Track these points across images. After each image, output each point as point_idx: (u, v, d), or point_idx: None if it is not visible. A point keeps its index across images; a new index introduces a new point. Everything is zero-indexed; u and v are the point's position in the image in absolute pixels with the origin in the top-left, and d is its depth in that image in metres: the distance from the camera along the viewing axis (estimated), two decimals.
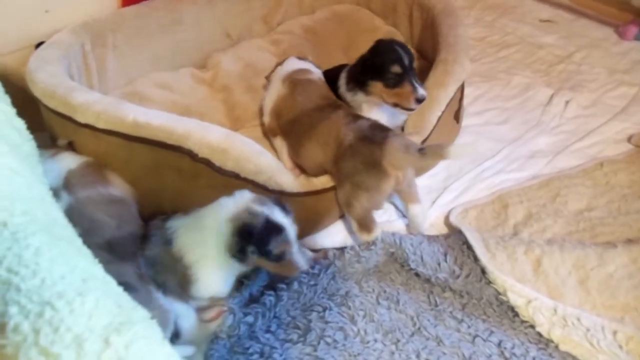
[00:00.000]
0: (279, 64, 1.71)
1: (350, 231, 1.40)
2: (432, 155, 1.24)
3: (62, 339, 0.53)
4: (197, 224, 1.12)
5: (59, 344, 0.52)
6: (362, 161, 1.27)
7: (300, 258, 1.13)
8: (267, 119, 1.60)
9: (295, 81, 1.53)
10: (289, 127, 1.49)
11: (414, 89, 1.38)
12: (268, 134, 1.62)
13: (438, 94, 1.56)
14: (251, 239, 1.06)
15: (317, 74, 1.62)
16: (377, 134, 1.28)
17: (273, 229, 1.08)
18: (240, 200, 1.11)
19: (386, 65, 1.40)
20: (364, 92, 1.47)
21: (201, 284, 1.12)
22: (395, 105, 1.43)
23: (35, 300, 0.56)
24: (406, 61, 1.40)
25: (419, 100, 1.39)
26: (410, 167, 1.32)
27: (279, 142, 1.54)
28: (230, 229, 1.08)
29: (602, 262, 1.28)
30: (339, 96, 1.57)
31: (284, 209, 1.13)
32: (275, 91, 1.57)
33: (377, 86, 1.43)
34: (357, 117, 1.37)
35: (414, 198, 1.39)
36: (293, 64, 1.64)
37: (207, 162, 1.22)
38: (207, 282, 1.12)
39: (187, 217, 1.15)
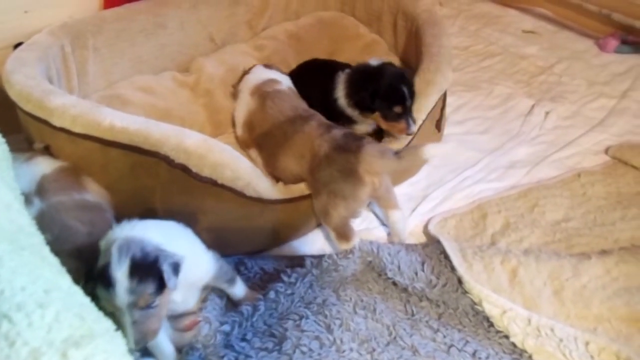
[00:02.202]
0: (246, 72, 1.70)
1: (328, 239, 1.41)
2: (408, 157, 1.25)
3: (18, 353, 0.52)
4: None
5: (15, 359, 0.51)
6: (338, 169, 1.27)
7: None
8: (239, 131, 1.60)
9: (264, 94, 1.53)
10: (262, 140, 1.49)
11: (408, 126, 1.48)
12: (241, 146, 1.62)
13: (420, 103, 1.56)
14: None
15: (285, 83, 1.62)
16: (351, 143, 1.29)
17: None
18: None
19: (390, 104, 1.48)
20: (362, 114, 1.54)
21: None
22: (387, 131, 1.55)
23: None
24: (408, 103, 1.49)
25: (409, 135, 1.50)
26: (387, 172, 1.33)
27: (254, 154, 1.55)
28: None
29: (576, 273, 1.29)
30: (331, 100, 1.57)
31: None
32: (245, 104, 1.58)
33: (376, 115, 1.52)
34: (330, 127, 1.38)
35: (392, 204, 1.40)
36: (260, 74, 1.63)
37: (184, 168, 1.20)
38: None
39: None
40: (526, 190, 1.61)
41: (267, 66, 1.70)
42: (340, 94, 1.57)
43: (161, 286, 0.95)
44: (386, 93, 1.48)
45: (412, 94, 1.51)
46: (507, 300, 1.23)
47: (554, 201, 1.57)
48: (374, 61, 1.59)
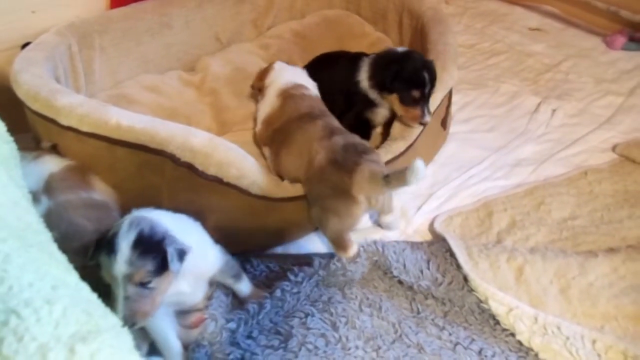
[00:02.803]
0: (266, 71, 1.67)
1: None
2: (395, 183, 1.16)
3: (26, 348, 0.52)
4: None
5: (23, 354, 0.52)
6: (330, 187, 1.23)
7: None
8: (259, 126, 1.57)
9: (289, 96, 1.50)
10: (273, 136, 1.47)
11: (422, 115, 1.50)
12: (259, 143, 1.61)
13: None
14: None
15: (312, 90, 1.58)
16: (349, 159, 1.22)
17: None
18: None
19: (409, 87, 1.50)
20: (381, 94, 1.58)
21: None
22: (401, 117, 1.56)
23: (1, 308, 0.56)
24: (427, 89, 1.51)
25: (422, 124, 1.51)
26: (379, 194, 1.27)
27: (267, 152, 1.53)
28: None
29: (583, 271, 1.29)
30: (353, 82, 1.60)
31: None
32: (269, 103, 1.54)
33: (394, 97, 1.54)
34: (334, 132, 1.32)
35: (387, 210, 1.40)
36: (289, 77, 1.58)
37: (190, 167, 1.21)
38: None
39: None
40: (532, 188, 1.60)
41: (290, 64, 1.69)
42: (363, 76, 1.60)
43: (162, 268, 0.96)
44: (407, 75, 1.50)
45: (432, 82, 1.52)
46: (513, 298, 1.22)
47: (560, 199, 1.56)
48: (400, 48, 1.64)
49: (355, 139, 1.33)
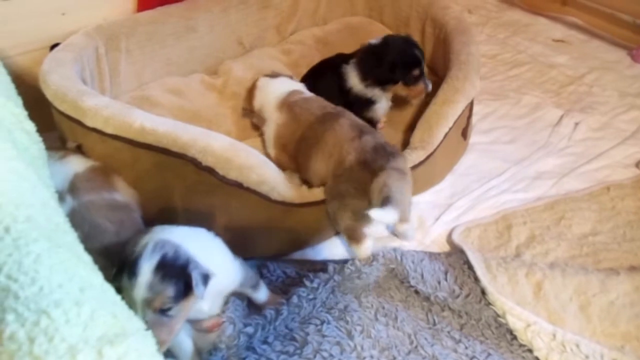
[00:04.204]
0: (251, 91, 1.64)
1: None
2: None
3: (57, 349, 0.53)
4: None
5: (53, 355, 0.53)
6: (354, 187, 1.26)
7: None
8: (272, 151, 1.53)
9: (291, 104, 1.49)
10: (297, 148, 1.43)
11: (425, 86, 1.63)
12: (279, 167, 1.53)
13: (447, 111, 1.56)
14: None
15: (306, 91, 1.58)
16: (377, 160, 1.25)
17: None
18: None
19: (409, 70, 1.60)
20: (383, 88, 1.63)
21: None
22: (406, 96, 1.68)
23: (32, 309, 0.57)
24: (423, 63, 1.62)
25: (427, 95, 1.65)
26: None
27: (286, 174, 1.47)
28: None
29: (604, 289, 1.27)
30: (345, 91, 1.63)
31: None
32: (273, 121, 1.51)
33: (397, 85, 1.63)
34: (362, 131, 1.34)
35: (404, 218, 1.38)
36: (280, 87, 1.57)
37: (211, 171, 1.23)
38: None
39: None
40: (553, 202, 1.58)
41: (272, 76, 1.65)
42: (354, 81, 1.64)
43: (183, 294, 0.94)
44: (404, 61, 1.59)
45: (422, 55, 1.64)
46: (532, 313, 1.21)
47: (581, 214, 1.54)
48: (374, 40, 1.67)
49: (383, 138, 1.35)
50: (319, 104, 1.49)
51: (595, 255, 1.41)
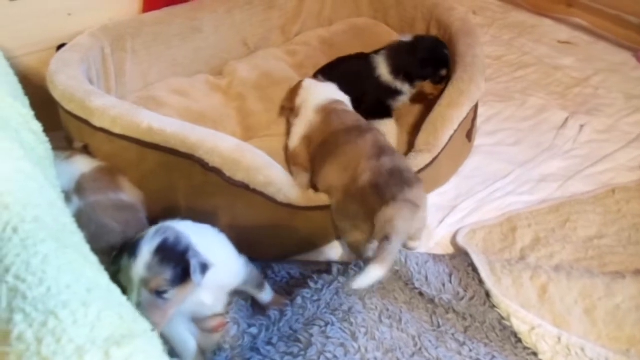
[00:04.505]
0: (295, 90, 1.65)
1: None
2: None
3: (64, 350, 0.54)
4: None
5: (61, 355, 0.53)
6: (365, 211, 1.23)
7: None
8: (295, 143, 1.52)
9: (331, 110, 1.48)
10: (316, 151, 1.42)
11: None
12: (290, 161, 1.56)
13: (452, 113, 1.56)
14: None
15: (349, 105, 1.57)
16: (390, 187, 1.21)
17: None
18: None
19: (438, 68, 1.73)
20: (411, 83, 1.74)
21: None
22: (429, 94, 1.78)
23: (40, 309, 0.57)
24: (450, 64, 1.74)
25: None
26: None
27: (295, 170, 1.50)
28: None
29: (609, 293, 1.27)
30: (373, 78, 1.72)
31: None
32: (307, 120, 1.51)
33: (425, 82, 1.75)
34: (383, 151, 1.30)
35: (413, 238, 1.38)
36: (325, 93, 1.57)
37: (218, 172, 1.23)
38: None
39: None
40: (558, 205, 1.58)
41: (319, 80, 1.71)
42: (384, 71, 1.73)
43: (180, 279, 0.95)
44: (434, 60, 1.72)
45: (449, 56, 1.75)
46: (536, 316, 1.21)
47: (586, 217, 1.54)
48: (404, 38, 1.78)
49: (403, 162, 1.31)
50: (354, 118, 1.48)
51: (600, 259, 1.40)
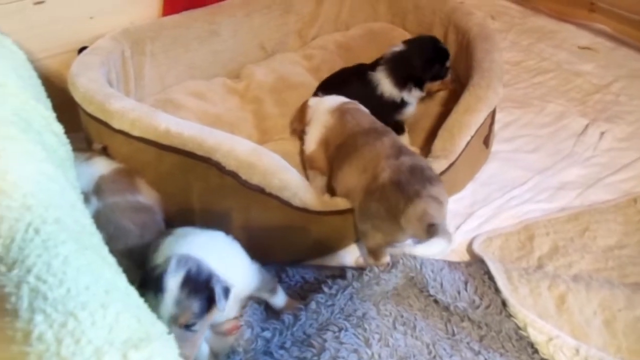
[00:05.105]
0: (302, 111, 1.64)
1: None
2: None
3: (83, 351, 0.54)
4: None
5: (80, 356, 0.54)
6: (386, 208, 1.22)
7: None
8: (312, 147, 1.52)
9: (345, 110, 1.48)
10: (335, 154, 1.42)
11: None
12: (307, 164, 1.57)
13: (469, 119, 1.54)
14: None
15: (362, 106, 1.56)
16: (413, 184, 1.19)
17: None
18: None
19: (444, 64, 1.75)
20: (421, 88, 1.72)
21: None
22: (437, 91, 1.84)
23: (60, 310, 0.58)
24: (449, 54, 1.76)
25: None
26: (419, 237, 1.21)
27: (312, 174, 1.51)
28: None
29: (630, 304, 1.24)
30: (376, 97, 1.67)
31: None
32: (322, 123, 1.50)
33: (434, 81, 1.76)
34: (402, 151, 1.30)
35: None
36: (336, 98, 1.57)
37: (234, 175, 1.24)
38: None
39: None
40: (577, 213, 1.55)
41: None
42: (386, 87, 1.69)
43: (205, 309, 0.96)
44: (438, 55, 1.73)
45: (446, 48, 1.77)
46: (554, 327, 1.19)
47: (606, 226, 1.51)
48: (396, 47, 1.74)
49: (423, 161, 1.30)
50: (370, 119, 1.47)
51: (621, 269, 1.37)
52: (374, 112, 1.53)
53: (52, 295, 0.60)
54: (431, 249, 1.10)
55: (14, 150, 0.81)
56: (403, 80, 1.68)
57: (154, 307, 0.91)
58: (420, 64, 1.68)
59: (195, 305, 0.93)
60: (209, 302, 0.96)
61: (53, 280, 0.62)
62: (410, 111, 1.75)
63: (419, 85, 1.71)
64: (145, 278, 0.95)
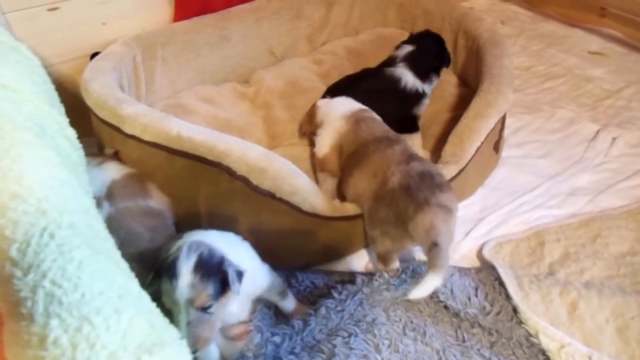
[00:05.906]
0: (312, 113, 1.65)
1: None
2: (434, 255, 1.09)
3: (98, 356, 0.55)
4: None
5: None
6: (395, 214, 1.21)
7: None
8: (325, 150, 1.52)
9: (360, 118, 1.48)
10: (347, 161, 1.42)
11: None
12: (319, 167, 1.56)
13: (479, 125, 1.54)
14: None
15: (376, 115, 1.56)
16: (422, 190, 1.18)
17: None
18: None
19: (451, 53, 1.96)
20: (438, 76, 1.87)
21: None
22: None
23: (75, 315, 0.58)
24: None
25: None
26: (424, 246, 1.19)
27: (322, 177, 1.52)
28: None
29: None
30: (403, 91, 1.76)
31: None
32: (336, 129, 1.50)
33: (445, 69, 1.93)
34: (412, 158, 1.30)
35: None
36: (350, 104, 1.58)
37: (245, 180, 1.24)
38: None
39: None
40: (588, 220, 1.54)
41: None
42: (410, 80, 1.79)
43: (220, 291, 0.97)
44: (444, 44, 1.92)
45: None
46: (566, 334, 1.18)
47: (618, 233, 1.49)
48: (405, 46, 1.87)
49: (433, 168, 1.29)
50: (383, 128, 1.47)
51: (633, 276, 1.36)
52: (396, 108, 1.68)
53: (67, 300, 0.60)
54: (423, 289, 1.05)
55: (29, 156, 0.82)
56: (427, 71, 1.81)
57: (170, 293, 0.95)
58: (442, 52, 1.88)
59: (209, 287, 0.95)
60: (223, 286, 0.97)
61: (68, 285, 0.62)
62: (426, 103, 1.84)
63: (437, 72, 1.86)
64: (159, 268, 0.97)
